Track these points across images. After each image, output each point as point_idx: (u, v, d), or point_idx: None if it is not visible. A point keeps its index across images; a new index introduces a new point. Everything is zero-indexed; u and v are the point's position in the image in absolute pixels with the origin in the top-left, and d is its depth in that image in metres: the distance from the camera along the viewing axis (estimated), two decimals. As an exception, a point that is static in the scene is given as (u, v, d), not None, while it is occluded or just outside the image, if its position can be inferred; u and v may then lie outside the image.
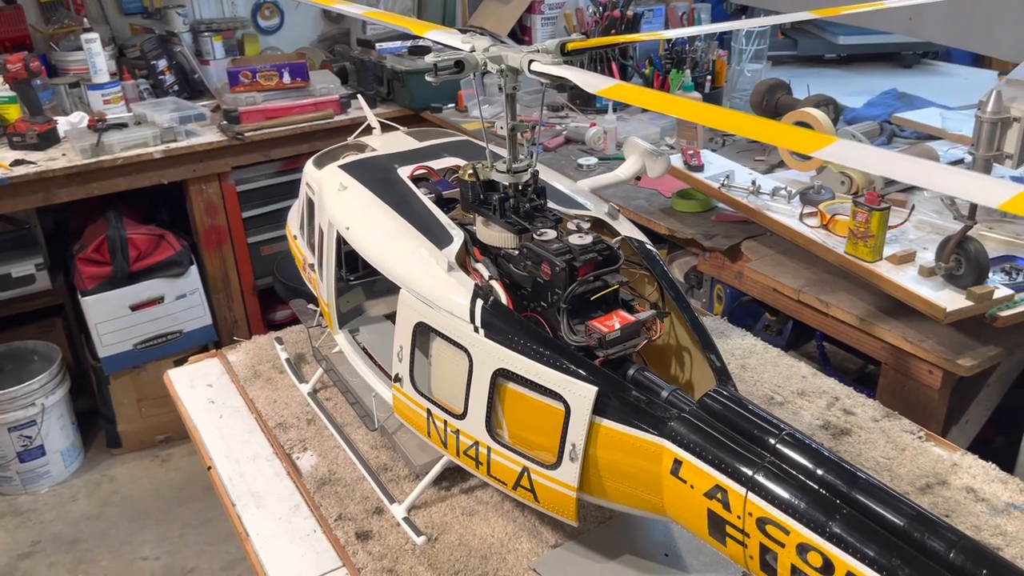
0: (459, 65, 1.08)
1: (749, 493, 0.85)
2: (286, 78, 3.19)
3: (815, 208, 1.87)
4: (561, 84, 1.02)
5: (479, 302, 1.07)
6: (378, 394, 1.30)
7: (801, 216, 1.87)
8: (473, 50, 1.13)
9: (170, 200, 3.34)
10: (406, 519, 1.21)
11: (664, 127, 2.87)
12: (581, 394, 0.98)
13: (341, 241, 1.33)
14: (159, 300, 3.15)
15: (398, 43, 3.44)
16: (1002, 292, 1.53)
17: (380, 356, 1.34)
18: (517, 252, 1.14)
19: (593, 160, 2.66)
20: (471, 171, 1.20)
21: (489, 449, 1.08)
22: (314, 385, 1.52)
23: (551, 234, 1.10)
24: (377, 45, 3.43)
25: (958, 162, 2.19)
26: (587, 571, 1.12)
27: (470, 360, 1.07)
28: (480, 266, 1.14)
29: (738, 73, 3.12)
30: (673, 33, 1.22)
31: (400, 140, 1.51)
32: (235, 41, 3.70)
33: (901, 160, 0.65)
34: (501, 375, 1.04)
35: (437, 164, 1.40)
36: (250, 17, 3.80)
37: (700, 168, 2.18)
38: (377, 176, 1.35)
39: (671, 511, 0.97)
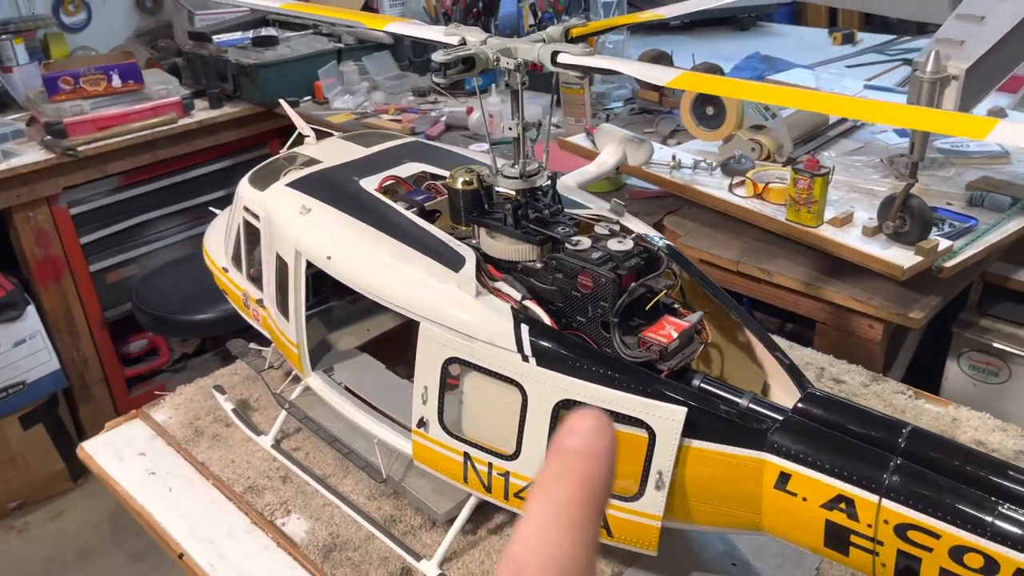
0: (468, 62, 0.94)
1: (884, 500, 0.80)
2: (116, 81, 2.82)
3: (743, 178, 1.87)
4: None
5: (524, 327, 0.95)
6: (381, 440, 1.14)
7: (731, 187, 1.87)
8: (464, 43, 0.99)
9: (-11, 233, 2.88)
10: (441, 575, 1.08)
11: (544, 106, 2.80)
12: (669, 417, 0.89)
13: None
14: (-7, 350, 2.71)
15: (238, 35, 3.14)
16: (944, 244, 1.59)
17: (373, 396, 1.18)
18: (541, 265, 1.03)
19: (485, 147, 2.55)
20: (466, 178, 1.07)
21: (550, 488, 0.97)
22: (275, 436, 1.33)
23: (586, 242, 1.00)
24: (214, 38, 3.11)
25: (841, 120, 2.29)
26: (661, 598, 1.04)
27: (523, 394, 0.95)
28: (503, 285, 1.02)
29: (601, 45, 3.11)
30: (688, 7, 1.14)
31: (343, 147, 1.33)
32: (38, 43, 3.24)
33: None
34: (564, 407, 0.93)
35: (403, 172, 1.24)
36: (51, 14, 3.33)
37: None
38: (340, 192, 1.18)
39: (772, 527, 0.91)
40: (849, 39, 3.41)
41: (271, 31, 3.14)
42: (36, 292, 2.84)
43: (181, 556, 1.17)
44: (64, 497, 3.02)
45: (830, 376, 1.45)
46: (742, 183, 1.87)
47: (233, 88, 3.05)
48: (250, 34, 3.13)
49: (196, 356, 3.47)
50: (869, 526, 0.82)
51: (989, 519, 0.75)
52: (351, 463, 1.25)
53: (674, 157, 1.99)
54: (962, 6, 1.53)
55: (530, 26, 2.91)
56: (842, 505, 0.83)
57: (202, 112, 3.00)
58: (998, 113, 2.26)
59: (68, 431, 2.99)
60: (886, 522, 0.80)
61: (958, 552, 0.77)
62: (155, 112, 2.88)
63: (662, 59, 2.56)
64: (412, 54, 3.23)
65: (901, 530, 0.80)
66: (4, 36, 3.06)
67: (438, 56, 0.92)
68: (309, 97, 3.05)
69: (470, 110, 2.75)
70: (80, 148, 2.70)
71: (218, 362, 2.88)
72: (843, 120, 2.25)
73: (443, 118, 2.75)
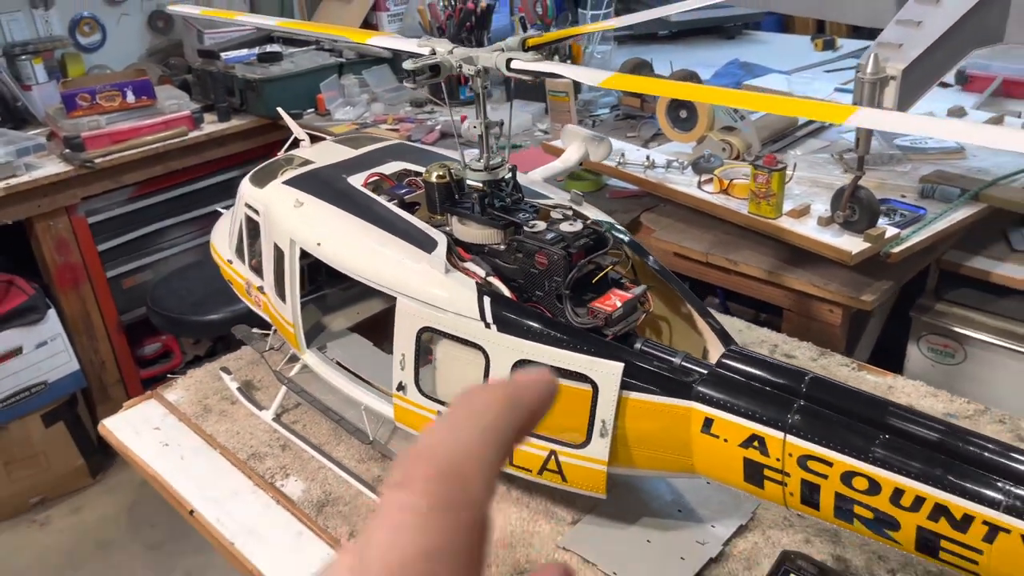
0: (435, 69, 1.09)
1: (787, 436, 0.93)
2: (130, 97, 2.99)
3: (710, 175, 2.01)
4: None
5: (486, 299, 1.09)
6: (368, 406, 1.29)
7: (700, 184, 2.01)
8: (434, 53, 1.14)
9: (12, 241, 3.05)
10: (421, 525, 1.22)
11: (534, 113, 2.95)
12: (608, 371, 1.03)
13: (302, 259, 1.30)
14: (17, 352, 2.87)
15: (244, 51, 3.31)
16: (891, 231, 1.72)
17: (361, 369, 1.33)
18: (504, 247, 1.17)
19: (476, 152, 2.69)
20: (439, 173, 1.22)
21: (512, 440, 1.11)
22: (276, 410, 1.48)
23: (541, 225, 1.14)
24: (222, 55, 3.28)
25: (809, 121, 2.42)
26: (614, 539, 1.17)
27: (486, 357, 1.09)
28: (471, 265, 1.16)
29: (590, 55, 3.26)
30: (619, 21, 1.26)
31: (334, 150, 1.48)
32: (56, 62, 3.42)
33: (931, 122, 0.74)
34: (521, 366, 1.07)
35: (387, 170, 1.39)
36: (68, 35, 3.51)
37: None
38: (330, 188, 1.33)
39: (701, 467, 1.04)
40: (830, 45, 3.55)
41: (275, 48, 3.31)
42: (56, 297, 3.01)
43: (191, 513, 1.31)
44: (83, 492, 3.17)
45: (782, 352, 1.58)
46: (710, 180, 2.01)
47: (240, 102, 3.22)
48: (256, 51, 3.30)
49: (208, 358, 3.61)
50: (778, 460, 0.95)
51: (871, 447, 0.88)
52: (343, 432, 1.39)
53: (648, 157, 2.13)
54: (901, 12, 1.67)
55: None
56: (755, 443, 0.96)
57: (211, 125, 3.17)
58: (958, 112, 2.39)
59: (87, 429, 3.15)
60: (791, 455, 0.94)
61: (848, 477, 0.90)
62: (167, 126, 3.05)
63: (643, 67, 2.71)
64: (410, 67, 3.39)
65: (803, 461, 0.93)
66: (24, 56, 3.24)
67: (407, 64, 1.07)
68: (312, 109, 3.21)
69: (463, 118, 2.90)
70: (97, 160, 2.86)
71: (191, 368, 3.04)
72: (811, 121, 2.39)
73: (438, 126, 2.91)
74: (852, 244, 1.70)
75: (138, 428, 1.51)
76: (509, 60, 1.07)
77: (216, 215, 1.77)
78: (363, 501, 1.28)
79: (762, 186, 1.81)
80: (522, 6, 3.22)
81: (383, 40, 1.26)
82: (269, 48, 3.30)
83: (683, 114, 2.24)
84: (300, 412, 1.49)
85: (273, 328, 1.49)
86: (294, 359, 1.50)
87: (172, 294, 2.86)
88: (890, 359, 2.10)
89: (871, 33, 3.94)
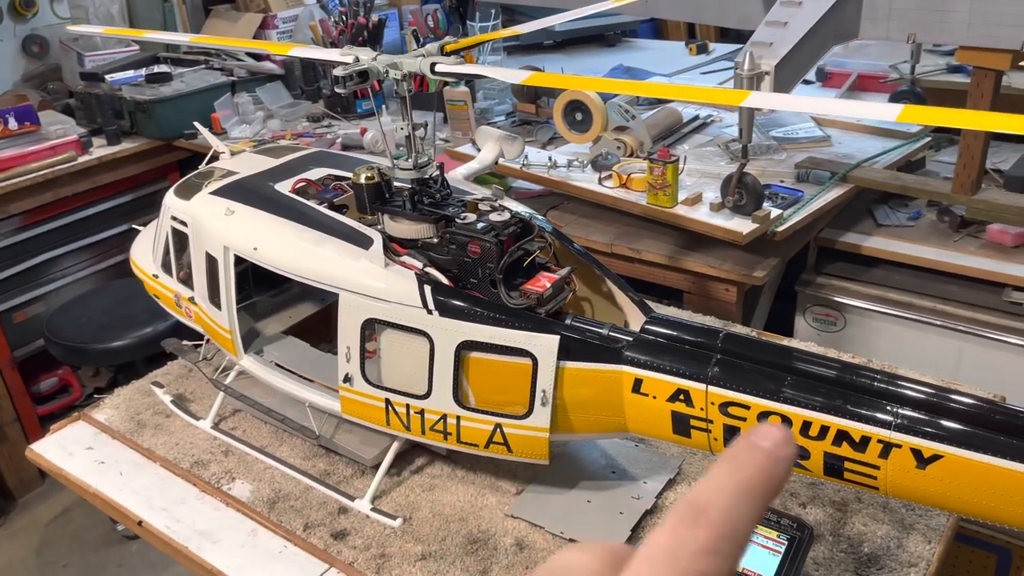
0: (363, 75, 1.16)
1: (709, 386, 1.05)
2: (12, 124, 2.89)
3: (610, 171, 2.15)
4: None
5: (426, 287, 1.16)
6: (312, 403, 1.33)
7: (600, 180, 2.14)
8: (358, 60, 1.21)
9: None
10: (374, 509, 1.28)
11: (418, 120, 3.02)
12: (546, 344, 1.12)
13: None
14: (-97, 396, 2.72)
15: (130, 72, 3.25)
16: (775, 212, 1.90)
17: (301, 368, 1.37)
18: (437, 240, 1.25)
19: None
20: (368, 174, 1.28)
21: (458, 418, 1.19)
22: (214, 419, 1.50)
23: (471, 217, 1.23)
24: (107, 77, 3.21)
25: (695, 118, 2.61)
26: (557, 504, 1.27)
27: (430, 341, 1.16)
28: (407, 258, 1.23)
29: (482, 64, 3.37)
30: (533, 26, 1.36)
31: (256, 160, 1.52)
32: (-77, 91, 3.25)
33: (810, 100, 0.87)
34: (464, 347, 1.15)
35: (312, 176, 1.44)
36: (-65, 63, 3.35)
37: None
38: (259, 195, 1.37)
39: (634, 425, 1.15)
40: (703, 49, 3.79)
41: (164, 68, 3.26)
42: (-58, 336, 2.86)
43: (140, 523, 1.32)
44: (-16, 538, 3.02)
45: (689, 326, 1.72)
46: (609, 176, 2.15)
47: (130, 125, 3.15)
48: (143, 72, 3.24)
49: (108, 390, 3.50)
50: (702, 409, 1.07)
51: (781, 389, 1.01)
52: (284, 432, 1.43)
53: (550, 158, 2.25)
54: (769, 14, 1.85)
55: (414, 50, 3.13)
56: (681, 397, 1.08)
57: (100, 149, 3.10)
58: (822, 105, 2.62)
59: (-16, 473, 3.00)
60: (713, 404, 1.06)
61: (763, 416, 1.03)
62: (54, 152, 2.96)
63: (535, 74, 2.83)
64: (303, 83, 3.41)
65: (724, 407, 1.05)
66: None
67: (338, 71, 1.14)
68: (207, 128, 3.18)
69: (363, 130, 2.96)
70: (-19, 190, 2.75)
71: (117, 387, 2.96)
72: (695, 119, 2.57)
73: (339, 139, 2.94)
74: (742, 226, 1.87)
75: (69, 449, 1.50)
76: (433, 64, 1.16)
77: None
78: (314, 495, 1.33)
79: (658, 178, 1.95)
80: (413, 20, 3.30)
81: (305, 51, 1.33)
82: (157, 69, 3.25)
83: (578, 116, 2.37)
84: (238, 419, 1.52)
85: (206, 338, 1.51)
86: (228, 368, 1.52)
87: (72, 323, 2.78)
88: (781, 331, 2.29)
89: (738, 37, 4.23)
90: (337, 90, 1.15)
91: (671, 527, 0.32)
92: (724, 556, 0.31)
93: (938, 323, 2.05)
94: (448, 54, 1.23)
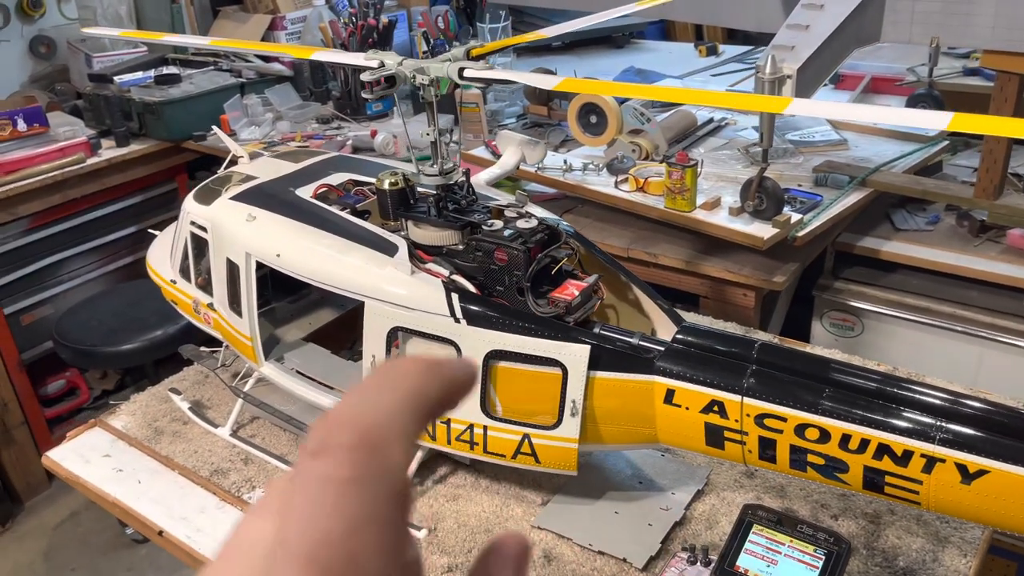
0: (390, 80, 1.14)
1: (744, 398, 1.04)
2: (21, 125, 2.87)
3: (626, 175, 2.13)
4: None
5: (454, 295, 1.15)
6: (334, 412, 1.31)
7: (616, 184, 2.13)
8: (383, 65, 1.19)
9: None
10: (398, 520, 1.26)
11: (442, 126, 3.01)
12: (576, 354, 1.10)
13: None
14: (-89, 399, 2.70)
15: (139, 74, 3.23)
16: (796, 217, 1.88)
17: (323, 375, 1.35)
18: (463, 247, 1.23)
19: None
20: (392, 180, 1.27)
21: (485, 428, 1.17)
22: (232, 426, 1.48)
23: (499, 224, 1.21)
24: (115, 78, 3.19)
25: (709, 121, 2.59)
26: (584, 515, 1.25)
27: (458, 350, 1.14)
28: (433, 266, 1.22)
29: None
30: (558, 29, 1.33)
31: (275, 164, 1.50)
32: (-70, 93, 3.24)
33: (853, 107, 0.86)
34: (492, 357, 1.13)
35: (333, 181, 1.42)
36: (-58, 64, 3.33)
37: (507, 156, 2.36)
38: (280, 201, 1.35)
39: (665, 437, 1.13)
40: (713, 51, 3.77)
41: (173, 69, 3.25)
42: (-50, 339, 2.84)
43: (160, 533, 1.30)
44: (-8, 542, 3.00)
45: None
46: (625, 180, 2.13)
47: (139, 126, 3.13)
48: (151, 73, 3.22)
49: (116, 392, 3.49)
50: (736, 421, 1.05)
51: (819, 401, 1.00)
52: (304, 439, 1.41)
53: (565, 161, 2.23)
54: (791, 17, 1.83)
55: (423, 52, 3.11)
56: (715, 408, 1.06)
57: (109, 151, 3.07)
58: (838, 108, 2.61)
59: (-8, 476, 2.98)
60: (748, 415, 1.04)
61: (801, 429, 1.01)
62: (63, 153, 2.94)
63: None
64: (312, 84, 3.39)
65: (760, 419, 1.03)
66: None
67: (365, 76, 1.12)
68: (216, 131, 3.16)
69: (374, 132, 2.94)
70: (-10, 192, 2.74)
71: (134, 394, 2.95)
72: (709, 121, 2.55)
73: (349, 141, 2.92)
74: (763, 231, 1.85)
75: (86, 456, 1.48)
76: (461, 69, 1.14)
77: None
78: (336, 504, 1.31)
79: (677, 182, 1.93)
80: (423, 22, 3.28)
81: (327, 55, 1.31)
82: (166, 70, 3.23)
83: (593, 119, 2.36)
84: (257, 426, 1.50)
85: (225, 344, 1.49)
86: (247, 375, 1.50)
87: (81, 326, 2.76)
88: (797, 337, 2.27)
89: (746, 38, 4.22)
90: (364, 95, 1.13)
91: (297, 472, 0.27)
92: (359, 480, 0.26)
93: (958, 329, 2.03)
94: (475, 58, 1.21)
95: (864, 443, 0.97)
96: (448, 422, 1.18)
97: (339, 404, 0.29)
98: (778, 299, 2.20)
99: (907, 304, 2.11)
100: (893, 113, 0.99)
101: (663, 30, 4.78)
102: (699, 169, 1.98)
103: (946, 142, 2.33)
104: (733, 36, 4.56)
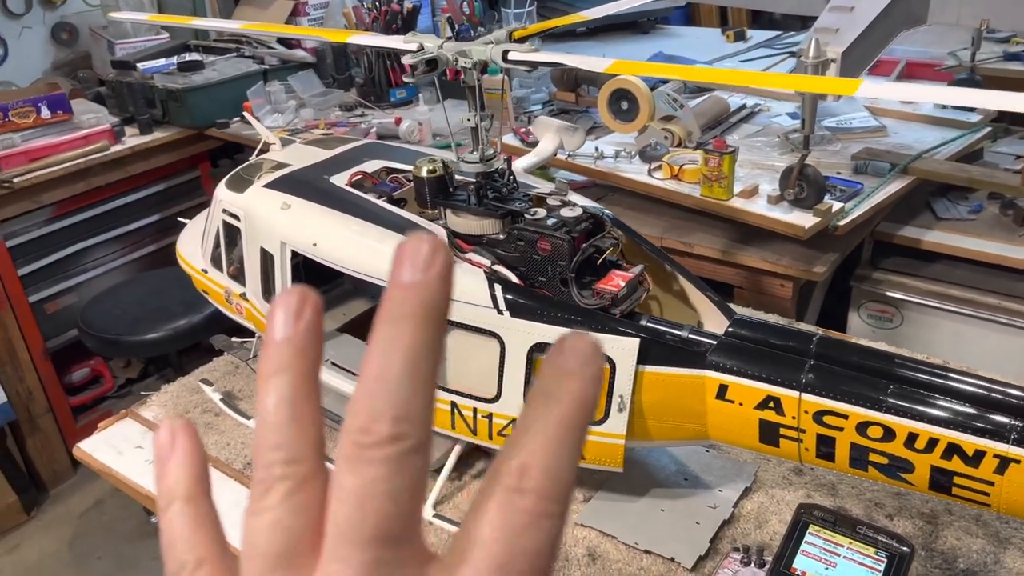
0: (431, 64, 1.11)
1: (803, 394, 0.99)
2: (45, 113, 2.85)
3: (659, 162, 2.08)
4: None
5: (496, 286, 1.11)
6: (371, 405, 1.28)
7: (650, 171, 2.08)
8: (422, 48, 1.15)
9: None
10: (437, 515, 1.23)
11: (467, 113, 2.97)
12: (625, 347, 1.06)
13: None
14: (-61, 387, 2.70)
15: (162, 61, 3.20)
16: (837, 206, 1.83)
17: (358, 366, 1.32)
18: (504, 236, 1.19)
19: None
20: (430, 167, 1.23)
21: (529, 423, 1.13)
22: (265, 418, 1.45)
23: (542, 212, 1.17)
24: (139, 65, 3.17)
25: (742, 107, 2.53)
26: (628, 512, 1.21)
27: (501, 343, 1.11)
28: (473, 255, 1.18)
29: (516, 53, 3.30)
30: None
31: (308, 151, 1.47)
32: (-45, 81, 3.23)
33: (932, 89, 0.81)
34: (536, 349, 1.10)
35: (367, 168, 1.39)
36: (-34, 51, 3.32)
37: (536, 143, 2.32)
38: (315, 188, 1.32)
39: (716, 433, 1.09)
40: (740, 36, 3.70)
41: (195, 56, 3.22)
42: (-25, 327, 2.84)
43: (195, 527, 1.27)
44: (19, 530, 3.00)
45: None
46: (659, 167, 2.08)
47: (162, 113, 3.11)
48: (174, 60, 3.20)
49: (140, 380, 3.49)
50: (793, 418, 1.01)
51: (883, 397, 0.95)
52: (337, 432, 1.38)
53: (597, 148, 2.19)
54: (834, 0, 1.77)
55: (447, 38, 3.07)
56: (771, 404, 1.02)
57: (133, 138, 3.06)
58: (874, 93, 2.54)
59: (18, 464, 2.99)
60: (806, 412, 1.00)
61: (863, 427, 0.97)
62: (87, 141, 2.92)
63: (576, 62, 2.76)
64: (335, 71, 3.35)
65: (818, 416, 0.99)
66: (-79, 75, 3.05)
67: (407, 59, 1.08)
68: (239, 118, 3.13)
69: (398, 120, 2.90)
70: (14, 180, 2.72)
71: (164, 384, 2.94)
72: (742, 107, 2.50)
73: (373, 129, 2.89)
74: (804, 219, 1.80)
75: (119, 448, 1.46)
76: (506, 52, 1.10)
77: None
78: (372, 499, 1.28)
79: (714, 169, 1.89)
80: (447, 7, 3.23)
81: (364, 39, 1.27)
82: (188, 57, 3.20)
83: (624, 105, 2.31)
84: (290, 418, 1.47)
85: (257, 335, 1.47)
86: (279, 365, 1.47)
87: (106, 315, 2.75)
88: (833, 328, 2.22)
89: (771, 23, 4.14)
90: (405, 79, 1.09)
91: (498, 503, 0.29)
92: (553, 516, 0.29)
93: (1003, 320, 1.98)
94: (517, 41, 1.17)
95: (932, 442, 0.92)
96: (490, 416, 1.15)
97: (517, 444, 0.30)
98: (814, 290, 2.15)
99: (950, 295, 2.06)
100: (977, 95, 0.94)
101: (687, 15, 4.70)
102: (736, 156, 1.93)
103: (988, 128, 2.26)
104: (757, 20, 4.48)
